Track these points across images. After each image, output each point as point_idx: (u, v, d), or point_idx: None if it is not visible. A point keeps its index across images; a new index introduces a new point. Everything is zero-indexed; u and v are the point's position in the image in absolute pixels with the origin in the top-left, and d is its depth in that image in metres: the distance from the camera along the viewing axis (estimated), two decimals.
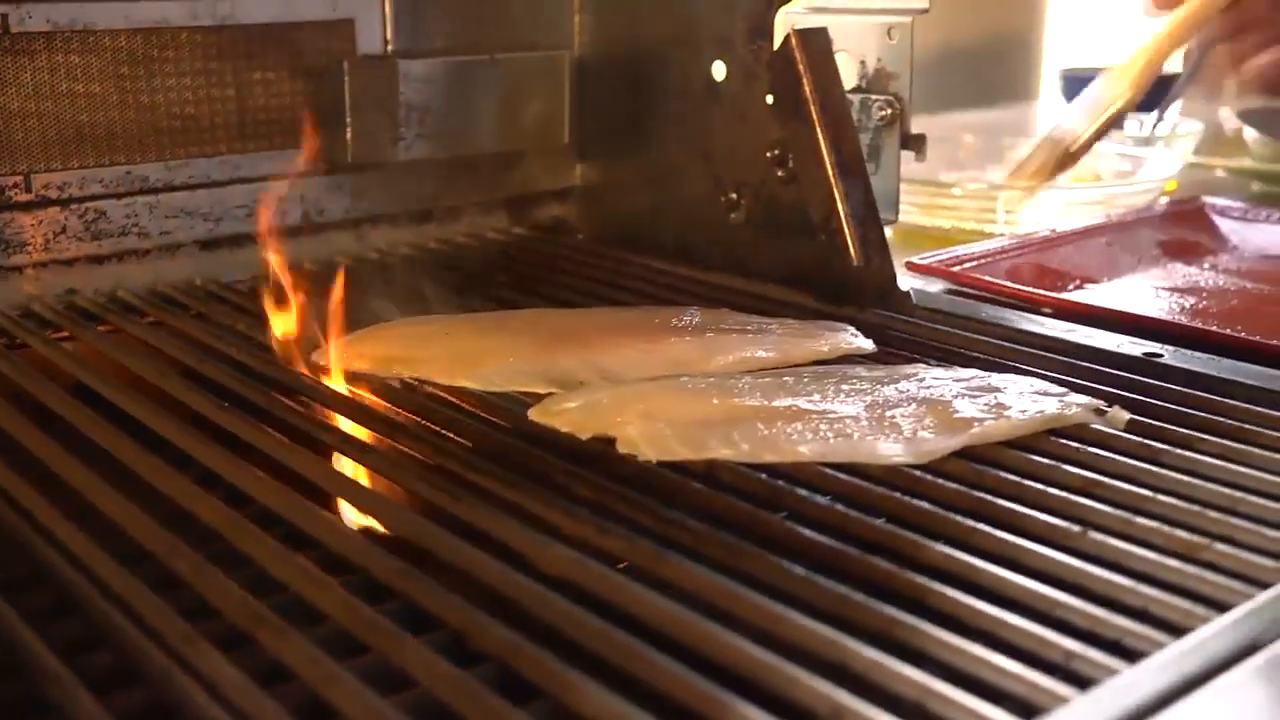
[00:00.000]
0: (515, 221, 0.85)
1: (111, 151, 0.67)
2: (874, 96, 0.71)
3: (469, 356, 0.54)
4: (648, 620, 0.35)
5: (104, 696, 0.32)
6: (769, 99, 0.70)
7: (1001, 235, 0.81)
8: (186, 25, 0.68)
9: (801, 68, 0.67)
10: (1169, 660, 0.32)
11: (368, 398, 0.52)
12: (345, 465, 0.47)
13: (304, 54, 0.72)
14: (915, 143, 0.72)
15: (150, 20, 0.66)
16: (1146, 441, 0.47)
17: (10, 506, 0.43)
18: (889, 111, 0.70)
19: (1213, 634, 0.33)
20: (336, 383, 0.54)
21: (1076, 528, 0.40)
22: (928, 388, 0.51)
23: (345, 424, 0.50)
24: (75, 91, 0.65)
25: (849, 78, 0.72)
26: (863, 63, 0.72)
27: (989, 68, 2.14)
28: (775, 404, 0.48)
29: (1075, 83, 1.45)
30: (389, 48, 0.75)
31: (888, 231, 0.69)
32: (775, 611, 0.35)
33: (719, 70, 0.74)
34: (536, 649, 0.33)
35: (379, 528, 0.43)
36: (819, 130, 0.66)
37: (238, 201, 0.71)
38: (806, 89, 0.66)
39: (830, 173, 0.66)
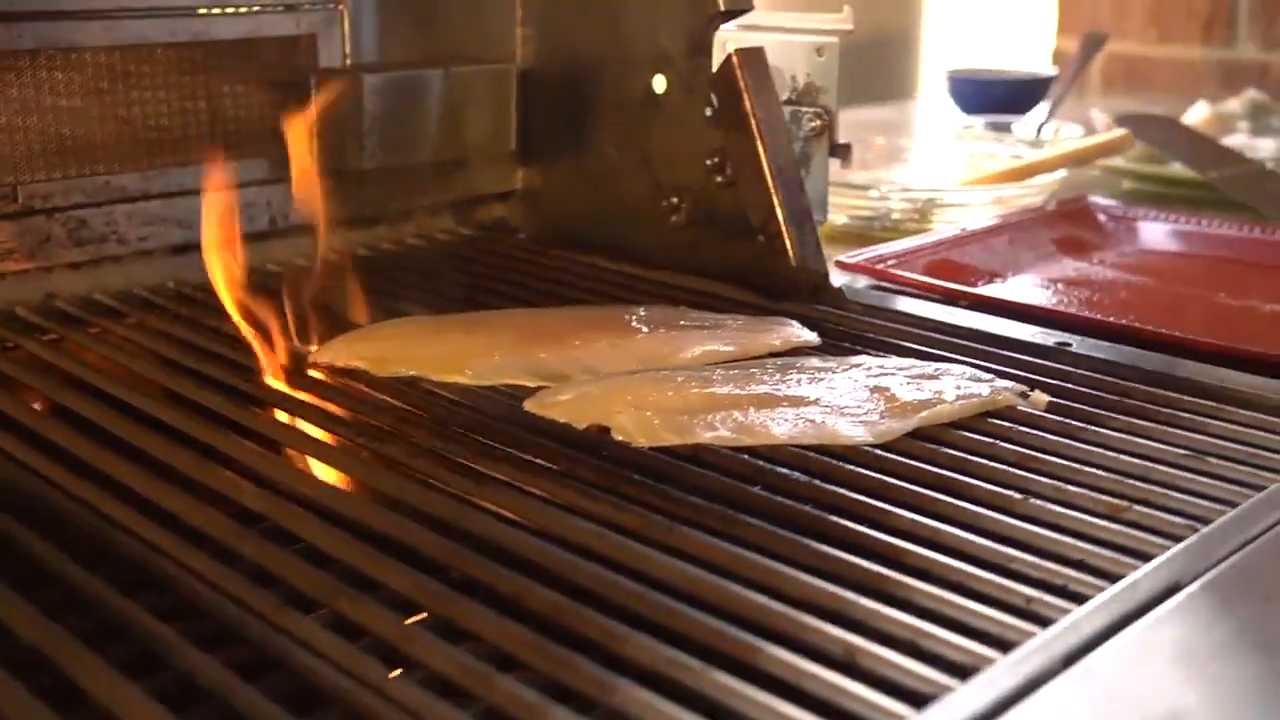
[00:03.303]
0: (460, 223, 0.90)
1: (92, 162, 0.70)
2: (804, 109, 0.78)
3: (459, 353, 0.60)
4: (673, 582, 0.41)
5: (210, 651, 0.36)
6: (708, 111, 0.76)
7: (921, 233, 0.88)
8: (161, 42, 0.71)
9: (742, 84, 0.73)
10: (1109, 600, 0.39)
11: (374, 394, 0.57)
12: (365, 459, 0.52)
13: (270, 69, 0.76)
14: (841, 151, 0.78)
15: (131, 38, 0.70)
16: (1066, 420, 0.55)
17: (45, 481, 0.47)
18: (819, 122, 0.77)
19: (1142, 578, 0.41)
20: (340, 381, 0.59)
21: (1018, 495, 0.47)
22: (875, 376, 0.57)
23: (363, 419, 0.55)
24: (59, 106, 0.68)
25: (779, 91, 0.78)
26: (793, 77, 0.78)
27: (868, 65, 2.23)
28: (748, 392, 0.54)
29: (963, 84, 1.54)
30: (347, 62, 0.80)
31: None
32: (778, 570, 0.41)
33: (660, 83, 0.79)
34: (581, 607, 0.39)
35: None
36: (759, 141, 0.72)
37: None
38: (747, 104, 0.73)
39: (770, 180, 0.73)
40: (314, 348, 0.62)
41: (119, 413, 0.54)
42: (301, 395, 0.57)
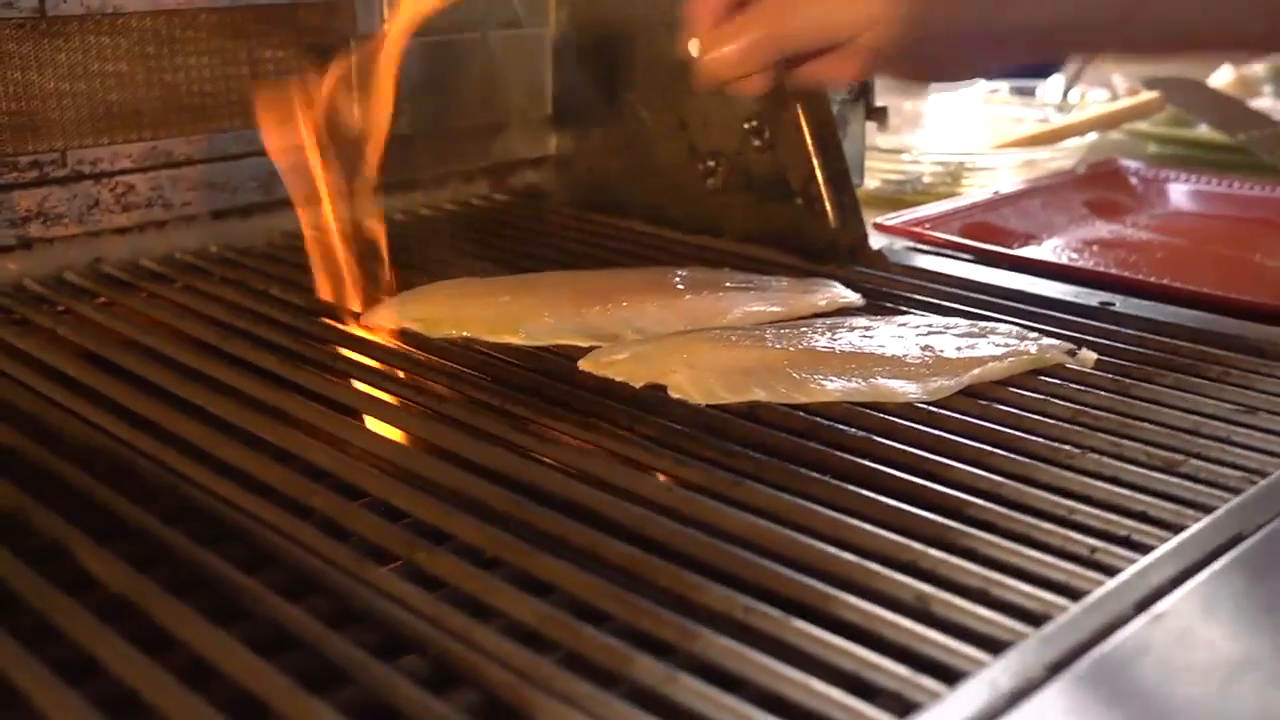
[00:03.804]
0: (495, 188, 0.90)
1: (139, 128, 0.71)
2: None
3: (509, 314, 0.60)
4: (743, 535, 0.41)
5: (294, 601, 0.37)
6: None
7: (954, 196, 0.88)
8: (205, 6, 0.72)
9: None
10: (1174, 550, 0.40)
11: (429, 355, 0.58)
12: (426, 417, 0.52)
13: (309, 33, 0.76)
14: (878, 114, 0.79)
15: (173, 2, 0.70)
16: (1115, 377, 0.55)
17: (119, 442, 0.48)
18: (856, 86, 0.77)
19: (1204, 528, 0.41)
20: (393, 342, 0.59)
21: (1074, 449, 0.48)
22: (924, 335, 0.58)
23: (420, 379, 0.55)
24: (105, 71, 0.69)
25: None
26: None
27: None
28: (800, 350, 0.55)
29: None
30: (385, 27, 0.80)
31: None
32: (844, 521, 0.42)
33: (695, 48, 0.79)
34: (659, 559, 0.39)
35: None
36: (799, 106, 0.73)
37: (250, 174, 0.75)
38: None
39: (809, 144, 0.73)
40: (361, 309, 0.63)
41: (179, 374, 0.55)
42: (356, 356, 0.58)
